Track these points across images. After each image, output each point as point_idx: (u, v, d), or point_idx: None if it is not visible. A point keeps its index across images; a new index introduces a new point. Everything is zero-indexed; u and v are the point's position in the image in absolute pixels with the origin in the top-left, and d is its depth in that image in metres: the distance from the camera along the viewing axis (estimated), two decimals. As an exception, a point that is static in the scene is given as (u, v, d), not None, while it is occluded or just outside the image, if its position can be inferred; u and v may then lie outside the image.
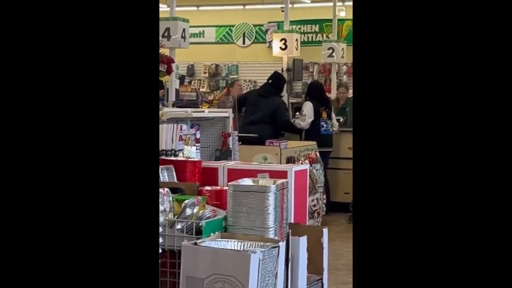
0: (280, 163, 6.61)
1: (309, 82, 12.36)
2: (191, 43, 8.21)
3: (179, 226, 2.81)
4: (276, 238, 2.77)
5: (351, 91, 9.95)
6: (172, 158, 3.58)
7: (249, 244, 2.65)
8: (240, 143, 5.14)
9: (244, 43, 14.54)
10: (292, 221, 3.14)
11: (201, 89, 14.17)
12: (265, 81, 8.71)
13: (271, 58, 12.99)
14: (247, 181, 2.95)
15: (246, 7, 14.15)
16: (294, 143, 7.71)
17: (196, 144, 4.10)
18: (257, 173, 3.18)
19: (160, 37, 7.18)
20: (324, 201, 7.93)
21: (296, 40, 10.48)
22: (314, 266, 3.03)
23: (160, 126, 3.58)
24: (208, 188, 3.22)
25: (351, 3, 12.30)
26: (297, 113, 8.47)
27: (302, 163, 6.95)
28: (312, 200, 7.32)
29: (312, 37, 13.84)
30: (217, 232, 2.76)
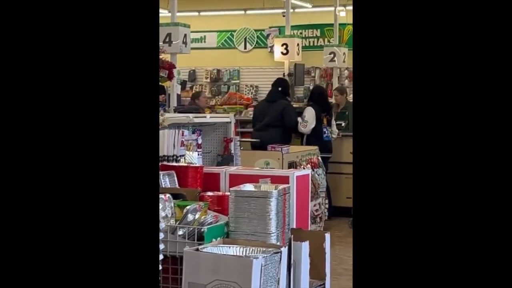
0: (282, 168, 6.60)
1: (311, 87, 12.37)
2: (192, 48, 8.20)
3: (180, 232, 2.80)
4: (278, 243, 2.77)
5: (345, 94, 9.96)
6: (174, 163, 3.58)
7: (251, 250, 2.64)
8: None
9: (245, 48, 14.55)
10: (294, 226, 3.14)
11: (202, 94, 14.16)
12: (269, 87, 8.73)
13: (272, 63, 12.99)
14: (249, 187, 2.94)
15: (247, 12, 14.15)
16: (296, 148, 7.70)
17: (198, 150, 4.10)
18: (259, 179, 3.18)
19: (161, 43, 7.18)
20: (327, 206, 7.91)
21: (298, 44, 10.48)
22: (317, 271, 3.02)
23: (162, 131, 3.58)
24: (209, 193, 3.22)
25: (351, 8, 12.29)
26: (299, 118, 8.46)
27: (304, 168, 6.94)
28: (315, 205, 7.31)
29: (313, 41, 13.83)
30: (219, 238, 2.76)
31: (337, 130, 8.89)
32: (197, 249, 2.61)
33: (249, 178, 3.24)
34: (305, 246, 2.87)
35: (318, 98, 8.65)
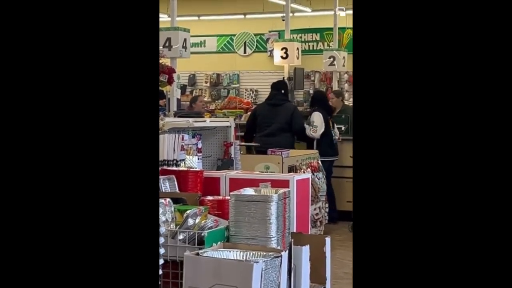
0: (282, 172, 6.60)
1: (311, 91, 12.37)
2: (192, 52, 8.21)
3: (181, 237, 2.80)
4: (279, 247, 2.77)
5: (341, 97, 9.97)
6: (174, 168, 3.58)
7: (251, 254, 2.64)
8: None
9: (245, 52, 14.56)
10: (295, 230, 3.14)
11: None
12: (269, 90, 8.67)
13: (272, 67, 13.01)
14: (249, 191, 2.94)
15: (247, 16, 14.17)
16: (296, 152, 7.70)
17: (198, 154, 4.10)
18: (259, 183, 3.18)
19: (161, 47, 7.19)
20: (327, 209, 7.90)
21: (297, 49, 10.50)
22: (317, 275, 3.02)
23: (162, 136, 3.58)
24: (210, 198, 3.22)
25: (351, 12, 12.31)
26: (305, 124, 8.43)
27: (304, 172, 6.94)
28: (315, 209, 7.30)
29: (313, 45, 13.85)
30: (219, 242, 2.76)
31: (338, 132, 8.91)
32: (198, 254, 2.61)
33: (249, 182, 3.23)
34: (306, 250, 2.87)
35: (321, 102, 8.66)
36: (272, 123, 8.11)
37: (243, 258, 2.63)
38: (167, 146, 3.65)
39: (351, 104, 10.13)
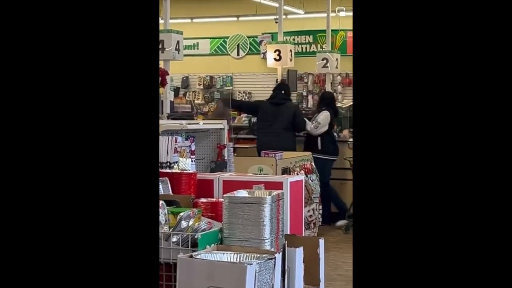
0: (276, 174, 6.60)
1: (304, 93, 12.39)
2: (185, 55, 8.20)
3: (174, 239, 2.80)
4: (272, 249, 2.77)
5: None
6: (167, 170, 3.58)
7: (245, 256, 2.64)
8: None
9: (238, 54, 14.56)
10: (288, 232, 3.13)
11: (196, 101, 14.17)
12: (262, 93, 8.76)
13: (265, 69, 13.00)
14: (242, 193, 2.94)
15: (240, 18, 14.17)
16: (289, 154, 7.70)
17: (191, 156, 4.09)
18: (252, 185, 3.18)
19: (154, 50, 7.18)
20: (320, 211, 7.91)
21: (290, 51, 10.48)
22: (311, 277, 3.02)
23: (155, 138, 3.58)
24: (203, 200, 3.21)
25: (344, 14, 12.33)
26: (307, 120, 8.48)
27: (297, 174, 6.94)
28: (308, 211, 7.30)
29: (306, 47, 13.86)
30: (212, 244, 2.75)
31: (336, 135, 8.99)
32: (191, 256, 2.60)
33: (242, 184, 3.23)
34: (299, 252, 2.87)
35: (329, 103, 8.72)
36: (275, 122, 8.20)
37: (236, 260, 2.62)
38: (161, 149, 3.65)
39: (344, 106, 10.16)
